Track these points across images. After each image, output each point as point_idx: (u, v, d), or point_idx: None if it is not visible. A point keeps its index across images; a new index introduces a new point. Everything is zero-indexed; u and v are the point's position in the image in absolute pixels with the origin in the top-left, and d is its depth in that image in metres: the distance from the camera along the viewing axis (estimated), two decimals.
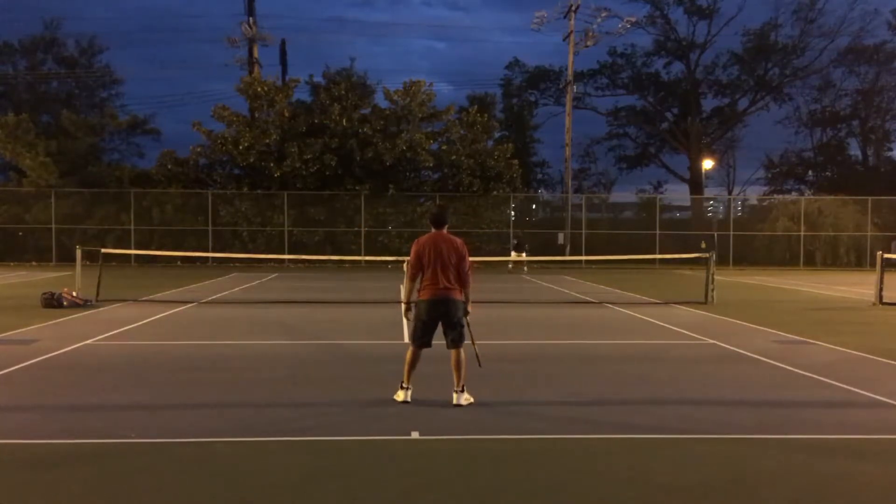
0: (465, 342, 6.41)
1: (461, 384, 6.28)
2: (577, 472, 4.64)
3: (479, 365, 6.72)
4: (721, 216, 40.38)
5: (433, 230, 6.54)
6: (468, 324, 6.47)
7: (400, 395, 6.37)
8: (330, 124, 31.78)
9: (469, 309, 6.47)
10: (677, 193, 53.49)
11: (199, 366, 8.16)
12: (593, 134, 52.53)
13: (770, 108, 47.68)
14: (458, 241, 6.44)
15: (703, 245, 30.34)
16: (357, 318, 12.61)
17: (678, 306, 14.94)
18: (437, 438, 5.31)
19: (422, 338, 6.37)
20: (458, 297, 6.32)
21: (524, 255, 28.37)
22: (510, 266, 29.21)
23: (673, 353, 9.30)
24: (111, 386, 7.07)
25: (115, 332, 10.50)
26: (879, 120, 45.76)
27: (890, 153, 46.61)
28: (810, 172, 48.00)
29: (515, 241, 29.81)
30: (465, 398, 6.26)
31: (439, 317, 6.31)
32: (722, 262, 29.26)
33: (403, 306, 6.63)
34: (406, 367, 6.40)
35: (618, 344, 10.07)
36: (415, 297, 6.47)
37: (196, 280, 21.05)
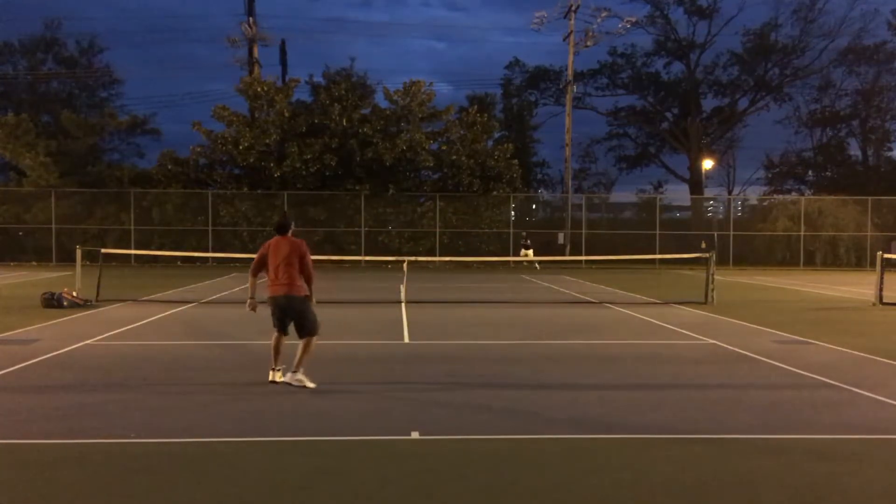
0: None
1: (298, 367, 6.92)
2: (577, 472, 4.64)
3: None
4: (721, 216, 40.41)
5: (277, 236, 7.15)
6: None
7: (270, 375, 7.05)
8: (330, 124, 31.78)
9: (313, 301, 7.16)
10: (677, 193, 53.65)
11: (198, 366, 8.16)
12: (593, 134, 52.64)
13: (770, 108, 47.70)
14: (298, 241, 7.08)
15: (703, 245, 30.34)
16: (357, 318, 12.61)
17: (678, 306, 14.94)
18: (437, 438, 5.31)
19: (278, 327, 7.10)
20: (298, 292, 6.95)
21: (531, 252, 28.67)
22: (536, 266, 29.56)
23: (673, 353, 9.30)
24: (111, 386, 7.07)
25: (115, 332, 10.50)
26: (879, 120, 45.70)
27: (890, 153, 46.59)
28: (810, 172, 47.97)
29: (528, 241, 30.01)
30: (297, 379, 6.87)
31: (283, 310, 6.99)
32: (722, 262, 29.25)
33: (248, 301, 7.33)
34: (272, 352, 7.13)
35: (618, 344, 10.07)
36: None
37: (196, 280, 21.05)
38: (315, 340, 7.04)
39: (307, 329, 6.98)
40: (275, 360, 7.08)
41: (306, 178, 31.52)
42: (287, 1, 72.48)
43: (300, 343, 6.98)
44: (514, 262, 29.83)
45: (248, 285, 7.36)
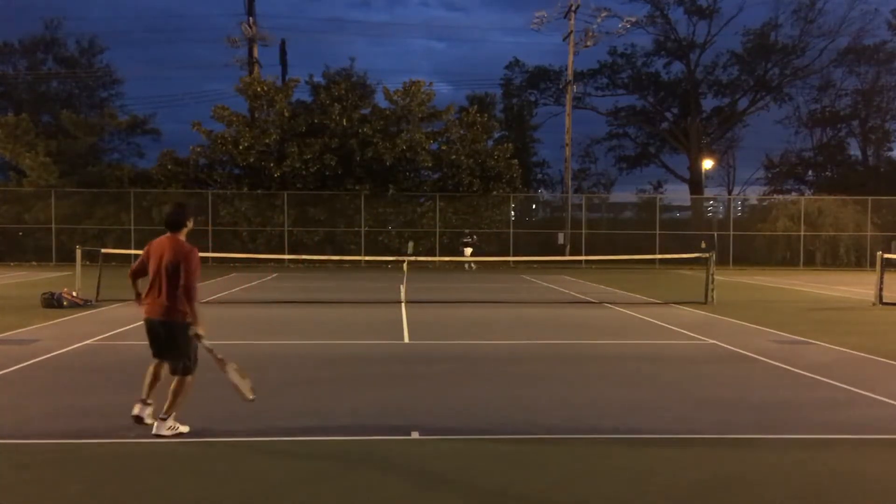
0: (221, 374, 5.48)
1: (168, 412, 5.31)
2: (578, 472, 4.64)
3: (251, 399, 5.44)
4: (721, 216, 40.37)
5: (167, 233, 5.53)
6: (210, 349, 5.39)
7: (135, 408, 5.49)
8: (330, 124, 31.79)
9: (200, 331, 5.33)
10: (677, 193, 53.65)
11: (198, 366, 8.14)
12: (593, 134, 52.57)
13: (770, 108, 47.75)
14: (186, 247, 5.42)
15: (703, 245, 30.33)
16: (357, 318, 12.61)
17: (678, 306, 14.94)
18: (437, 438, 5.31)
19: (155, 353, 5.51)
20: (179, 318, 5.28)
21: (470, 251, 27.55)
22: (472, 266, 28.46)
23: (673, 353, 9.30)
24: (111, 386, 7.07)
25: (115, 332, 10.50)
26: (879, 120, 45.74)
27: (890, 153, 46.63)
28: (810, 172, 48.01)
29: (473, 238, 29.01)
30: (168, 427, 5.27)
31: (158, 337, 5.40)
32: (722, 262, 29.25)
33: (135, 300, 5.66)
34: (145, 379, 5.58)
35: (618, 344, 10.07)
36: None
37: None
38: (191, 380, 5.41)
39: (181, 366, 5.36)
40: (147, 390, 5.54)
41: (306, 178, 31.52)
42: (287, 1, 72.48)
43: (172, 382, 5.37)
44: (457, 262, 28.69)
45: (133, 288, 5.69)
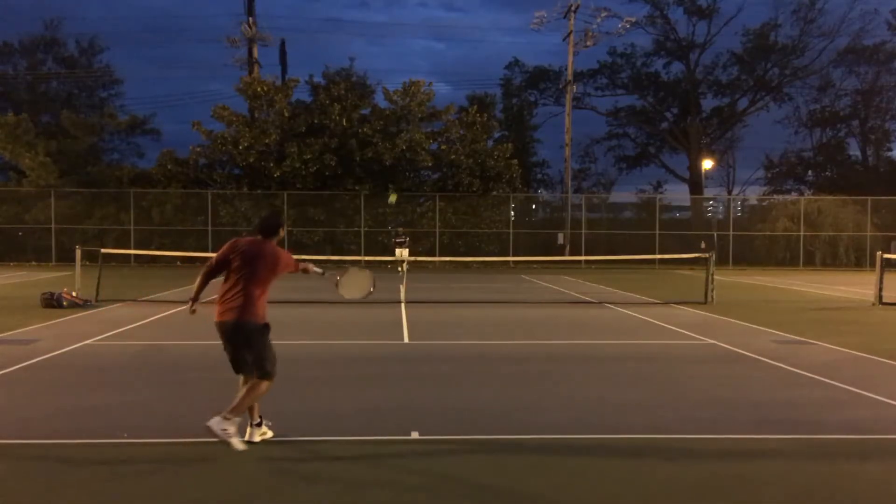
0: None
1: (233, 411, 4.93)
2: (577, 473, 4.64)
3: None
4: (721, 216, 40.38)
5: (257, 236, 5.42)
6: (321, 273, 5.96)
7: (246, 433, 5.16)
8: (330, 124, 31.80)
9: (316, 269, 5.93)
10: (677, 193, 53.52)
11: (198, 366, 8.15)
12: (593, 134, 52.53)
13: (770, 108, 47.75)
14: (283, 252, 5.46)
15: (703, 245, 30.33)
16: (357, 318, 12.61)
17: (678, 306, 14.94)
18: (437, 438, 5.31)
19: (233, 365, 5.20)
20: (255, 319, 5.12)
21: (406, 251, 24.88)
22: (401, 269, 25.60)
23: (673, 353, 9.30)
24: (111, 386, 7.06)
25: (115, 332, 10.49)
26: (879, 120, 45.75)
27: (890, 153, 46.66)
28: (810, 172, 48.01)
29: (405, 239, 26.20)
30: (223, 428, 4.84)
31: (231, 343, 5.16)
32: (722, 262, 29.26)
33: (190, 304, 5.64)
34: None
35: (618, 344, 10.07)
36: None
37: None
38: (268, 386, 5.12)
39: (265, 368, 5.08)
40: (249, 413, 5.17)
41: (306, 178, 31.53)
42: (287, 1, 72.46)
43: (255, 385, 5.05)
44: (391, 262, 24.34)
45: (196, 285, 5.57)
